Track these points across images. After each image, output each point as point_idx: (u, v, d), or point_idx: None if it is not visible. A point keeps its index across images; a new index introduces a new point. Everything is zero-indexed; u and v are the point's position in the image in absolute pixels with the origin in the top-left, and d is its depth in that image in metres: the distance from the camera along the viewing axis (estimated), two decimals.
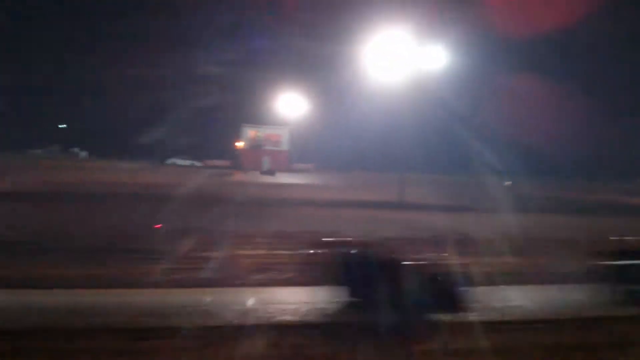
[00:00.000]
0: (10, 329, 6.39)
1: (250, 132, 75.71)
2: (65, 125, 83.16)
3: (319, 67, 67.74)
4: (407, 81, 33.61)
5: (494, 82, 58.63)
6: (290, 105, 73.05)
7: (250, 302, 8.31)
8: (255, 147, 74.79)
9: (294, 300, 8.57)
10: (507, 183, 52.31)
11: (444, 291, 7.51)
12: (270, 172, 61.89)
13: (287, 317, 7.39)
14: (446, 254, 13.43)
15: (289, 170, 68.58)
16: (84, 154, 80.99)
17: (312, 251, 10.67)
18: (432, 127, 47.19)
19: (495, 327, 7.43)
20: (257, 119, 74.97)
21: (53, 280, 9.74)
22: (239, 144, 76.61)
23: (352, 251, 8.47)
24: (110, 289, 9.43)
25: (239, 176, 58.63)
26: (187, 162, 75.81)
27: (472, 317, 7.77)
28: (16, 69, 75.42)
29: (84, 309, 7.79)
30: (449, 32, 37.22)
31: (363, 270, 7.38)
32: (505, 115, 60.97)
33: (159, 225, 17.18)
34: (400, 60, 33.88)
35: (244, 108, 72.66)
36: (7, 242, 13.81)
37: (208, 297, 8.79)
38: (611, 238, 13.74)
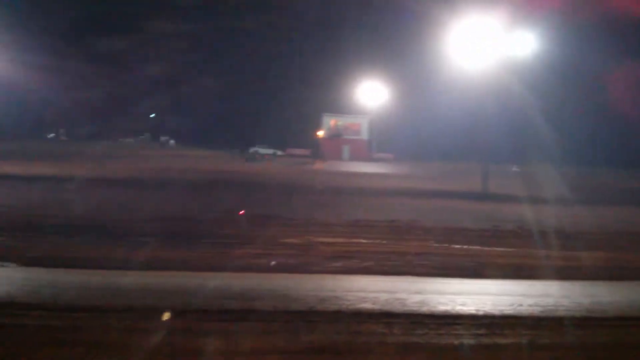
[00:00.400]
0: (103, 306, 6.82)
1: (330, 121, 75.97)
2: (154, 115, 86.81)
3: (401, 55, 66.88)
4: (493, 69, 32.58)
5: (586, 69, 55.65)
6: (370, 94, 72.64)
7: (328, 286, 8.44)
8: (335, 136, 75.02)
9: (374, 289, 8.61)
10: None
11: None
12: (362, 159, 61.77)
13: (367, 305, 7.44)
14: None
15: (369, 159, 68.36)
16: (172, 142, 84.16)
17: None
18: (518, 117, 45.57)
19: (582, 323, 7.16)
20: (338, 108, 75.11)
21: (145, 262, 10.27)
22: (320, 133, 77.12)
23: None
24: (196, 271, 9.83)
25: (319, 165, 59.15)
26: (269, 151, 77.15)
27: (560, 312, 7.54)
28: (108, 65, 79.28)
29: (172, 290, 8.16)
30: (538, 18, 35.61)
31: None
32: (597, 105, 57.97)
33: (242, 212, 17.69)
34: (486, 47, 32.84)
35: (325, 97, 73.01)
36: (102, 225, 14.69)
37: (289, 282, 9.01)
38: None
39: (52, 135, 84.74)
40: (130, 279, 8.93)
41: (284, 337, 5.90)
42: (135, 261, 10.19)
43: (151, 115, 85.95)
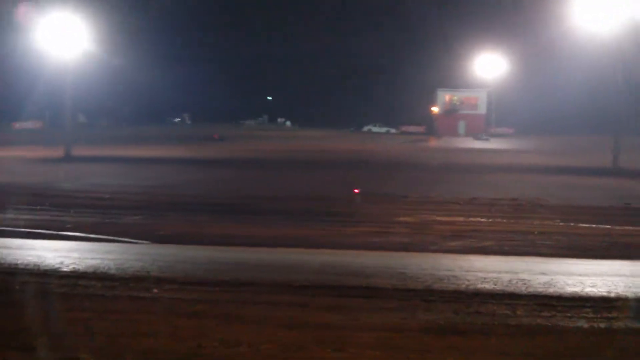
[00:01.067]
0: (230, 281, 7.21)
1: (445, 96, 74.05)
2: (271, 98, 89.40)
3: (521, 23, 63.38)
4: (620, 34, 30.05)
5: None
6: (488, 66, 69.76)
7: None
8: (451, 111, 73.09)
9: (494, 269, 8.39)
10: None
11: None
12: (481, 137, 60.08)
13: (487, 286, 7.28)
14: None
15: (487, 134, 66.03)
16: (288, 123, 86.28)
17: None
18: None
19: None
20: (453, 82, 72.96)
21: (267, 239, 10.73)
22: (434, 109, 75.51)
23: None
24: (314, 248, 10.11)
25: (433, 141, 58.11)
26: (383, 129, 76.75)
27: None
28: (230, 50, 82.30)
29: (293, 266, 8.46)
30: None
31: None
32: None
33: (357, 190, 17.86)
34: (614, 8, 30.30)
35: (439, 72, 71.15)
36: (230, 204, 15.50)
37: (405, 260, 9.00)
38: None
39: (178, 119, 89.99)
40: (255, 255, 9.37)
41: (400, 315, 5.92)
42: (257, 238, 10.66)
43: (268, 98, 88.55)
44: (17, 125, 72.38)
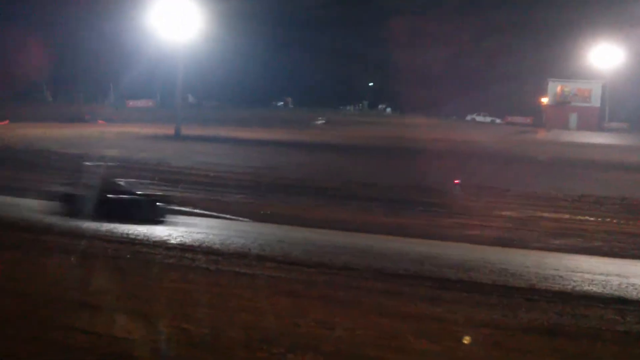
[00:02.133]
0: (327, 263, 7.30)
1: (556, 87, 70.30)
2: (372, 84, 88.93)
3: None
4: None
5: None
6: (604, 56, 65.37)
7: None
8: (562, 103, 69.32)
9: (603, 271, 7.91)
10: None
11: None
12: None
13: (595, 288, 6.88)
14: None
15: (600, 129, 62.12)
16: (388, 110, 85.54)
17: None
18: None
19: None
20: (565, 73, 69.07)
21: (362, 225, 10.73)
22: (544, 100, 71.95)
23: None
24: (411, 237, 9.99)
25: (542, 134, 55.48)
26: (487, 119, 74.26)
27: None
28: (332, 35, 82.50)
29: (388, 254, 8.42)
30: None
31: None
32: None
33: (457, 181, 17.40)
34: None
35: (550, 61, 67.60)
36: (323, 187, 15.65)
37: (507, 256, 8.70)
38: None
39: (280, 103, 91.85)
40: (352, 239, 9.42)
41: (501, 312, 5.74)
42: (355, 223, 10.69)
43: (370, 84, 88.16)
44: (131, 103, 76.79)
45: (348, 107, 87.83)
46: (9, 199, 12.10)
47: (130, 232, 8.75)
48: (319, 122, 54.53)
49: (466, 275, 7.07)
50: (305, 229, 10.25)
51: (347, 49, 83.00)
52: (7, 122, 45.43)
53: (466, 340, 4.92)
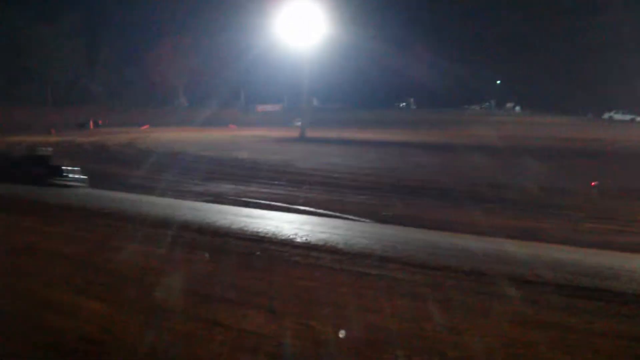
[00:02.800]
0: (453, 267, 7.11)
1: None
2: (499, 82, 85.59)
3: None
4: None
5: None
6: None
7: None
8: None
9: None
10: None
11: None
12: None
13: None
14: None
15: None
16: (517, 108, 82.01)
17: None
18: None
19: None
20: None
21: (489, 227, 10.36)
22: None
23: None
24: (543, 242, 9.49)
25: None
26: (627, 117, 68.83)
27: None
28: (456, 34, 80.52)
29: (518, 259, 8.05)
30: None
31: None
32: None
33: (594, 183, 16.31)
34: None
35: None
36: (446, 189, 15.33)
37: None
38: None
39: (403, 104, 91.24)
40: (478, 244, 9.12)
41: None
42: (481, 226, 10.35)
43: (497, 82, 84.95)
44: (260, 108, 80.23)
45: (473, 106, 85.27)
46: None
47: (260, 230, 9.12)
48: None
49: (604, 283, 6.57)
50: (430, 232, 10.09)
51: (472, 46, 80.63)
52: (147, 126, 49.29)
53: (604, 352, 4.57)
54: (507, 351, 4.56)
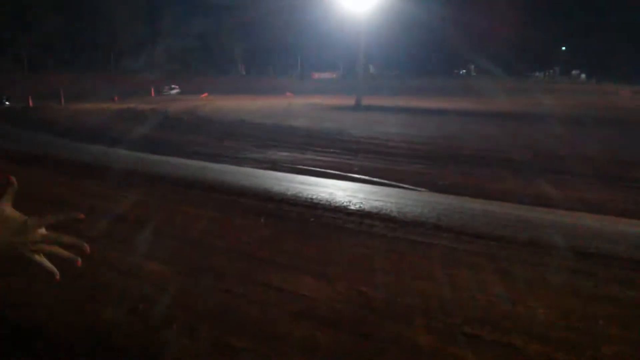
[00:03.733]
0: (507, 237, 7.01)
1: None
2: (565, 48, 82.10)
3: None
4: None
5: None
6: None
7: None
8: None
9: None
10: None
11: None
12: None
13: None
14: None
15: None
16: (583, 76, 78.72)
17: None
18: None
19: None
20: None
21: (548, 199, 10.07)
22: None
23: None
24: (608, 215, 9.16)
25: None
26: None
27: None
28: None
29: (577, 230, 7.84)
30: None
31: None
32: None
33: None
34: None
35: None
36: (506, 159, 14.94)
37: None
38: None
39: (463, 71, 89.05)
40: (536, 214, 8.92)
41: None
42: (541, 198, 10.09)
43: (562, 48, 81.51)
44: (316, 75, 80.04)
45: (537, 74, 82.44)
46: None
47: (314, 197, 9.21)
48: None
49: None
50: (486, 201, 9.91)
51: (536, 10, 77.41)
52: (206, 94, 50.07)
53: None
54: (562, 324, 4.49)
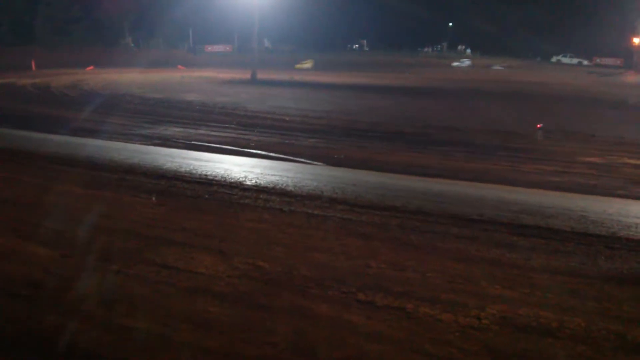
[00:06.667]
0: (400, 207, 7.27)
1: None
2: (451, 24, 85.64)
3: None
4: None
5: None
6: None
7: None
8: None
9: None
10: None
11: None
12: None
13: None
14: None
15: None
16: (468, 51, 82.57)
17: None
18: None
19: None
20: None
21: (436, 169, 10.57)
22: (635, 40, 67.04)
23: None
24: (490, 183, 9.76)
25: (631, 77, 52.02)
26: (574, 60, 70.41)
27: None
28: None
29: (468, 199, 8.28)
30: None
31: None
32: None
33: (539, 125, 16.76)
34: None
35: None
36: (399, 132, 15.47)
37: (587, 203, 8.35)
38: None
39: (356, 46, 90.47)
40: (426, 184, 9.31)
41: (579, 260, 5.56)
42: (432, 168, 10.55)
43: (449, 24, 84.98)
44: (210, 48, 78.06)
45: (426, 49, 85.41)
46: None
47: (209, 173, 9.04)
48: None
49: (544, 222, 6.85)
50: (379, 174, 10.22)
51: None
52: (92, 67, 47.40)
53: (541, 286, 4.81)
54: (448, 286, 4.74)
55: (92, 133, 14.22)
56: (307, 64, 56.27)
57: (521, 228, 6.51)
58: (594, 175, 10.95)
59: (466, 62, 68.50)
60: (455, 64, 67.67)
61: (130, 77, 36.90)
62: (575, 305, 4.48)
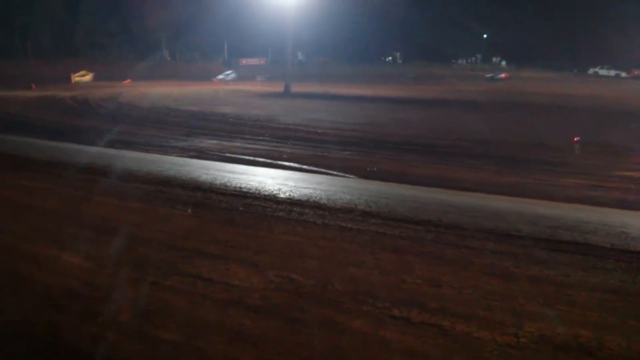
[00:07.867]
0: (434, 221, 7.19)
1: None
2: (486, 36, 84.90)
3: None
4: None
5: None
6: None
7: None
8: None
9: None
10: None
11: None
12: None
13: None
14: None
15: None
16: (503, 63, 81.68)
17: None
18: None
19: None
20: None
21: (470, 183, 10.45)
22: None
23: None
24: (525, 197, 9.60)
25: None
26: (611, 72, 68.96)
27: None
28: None
29: (502, 214, 8.15)
30: None
31: None
32: None
33: (577, 139, 16.45)
34: None
35: None
36: (431, 144, 15.37)
37: (627, 218, 8.12)
38: None
39: (389, 58, 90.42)
40: (461, 198, 9.21)
41: (619, 277, 5.40)
42: (465, 181, 10.43)
43: (484, 36, 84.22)
44: (244, 61, 79.02)
45: (460, 61, 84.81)
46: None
47: (243, 186, 9.11)
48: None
49: (582, 237, 6.69)
50: (412, 187, 10.15)
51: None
52: (129, 80, 48.44)
53: (580, 304, 4.69)
54: (485, 303, 4.65)
55: (129, 145, 14.50)
56: (86, 76, 52.34)
57: (559, 244, 6.37)
58: (633, 190, 10.69)
59: (500, 75, 67.84)
60: (488, 76, 67.03)
61: (166, 90, 37.59)
62: (614, 324, 4.35)
